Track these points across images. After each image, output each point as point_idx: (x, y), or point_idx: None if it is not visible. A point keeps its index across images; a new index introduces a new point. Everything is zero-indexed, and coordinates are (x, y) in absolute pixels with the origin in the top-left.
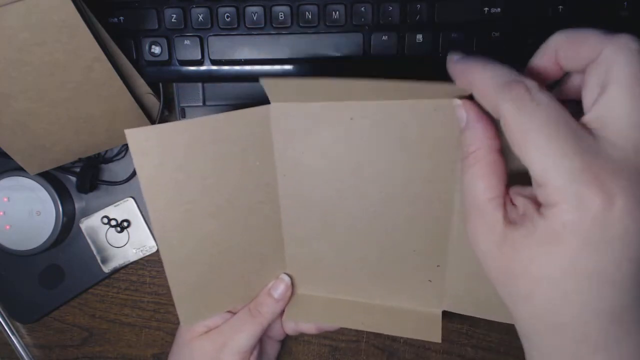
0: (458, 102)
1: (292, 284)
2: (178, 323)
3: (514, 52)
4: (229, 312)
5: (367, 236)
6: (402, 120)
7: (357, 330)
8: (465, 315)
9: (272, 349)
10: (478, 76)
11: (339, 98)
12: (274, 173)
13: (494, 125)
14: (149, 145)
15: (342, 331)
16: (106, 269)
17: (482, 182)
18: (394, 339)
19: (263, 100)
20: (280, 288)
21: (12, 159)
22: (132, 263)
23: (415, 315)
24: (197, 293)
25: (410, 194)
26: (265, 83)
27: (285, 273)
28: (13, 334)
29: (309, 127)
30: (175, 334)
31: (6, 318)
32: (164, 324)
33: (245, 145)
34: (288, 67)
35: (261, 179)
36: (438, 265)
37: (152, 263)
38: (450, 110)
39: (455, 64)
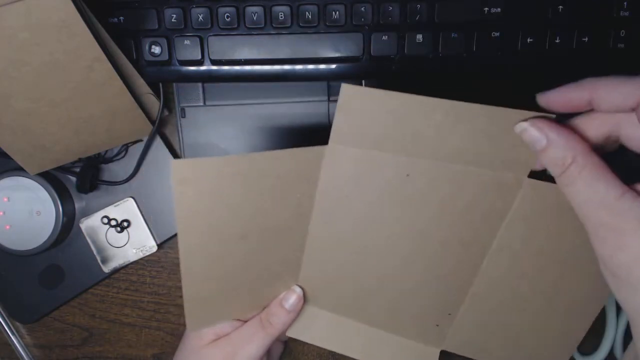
0: (524, 125)
1: (304, 296)
2: (178, 323)
3: (514, 52)
4: (237, 320)
5: (388, 271)
6: (459, 186)
7: None
8: None
9: (276, 350)
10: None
11: (405, 147)
12: (311, 204)
13: (575, 131)
14: (191, 177)
15: None
16: (106, 269)
17: (601, 184)
18: None
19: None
20: (292, 299)
21: (12, 159)
22: (132, 263)
23: (413, 350)
24: (209, 303)
25: (443, 254)
26: (340, 104)
27: (297, 284)
28: (13, 334)
29: (361, 174)
30: (182, 339)
31: (6, 318)
32: (164, 324)
33: (291, 180)
34: (288, 67)
35: (298, 208)
36: (449, 314)
37: (152, 263)
38: (509, 185)
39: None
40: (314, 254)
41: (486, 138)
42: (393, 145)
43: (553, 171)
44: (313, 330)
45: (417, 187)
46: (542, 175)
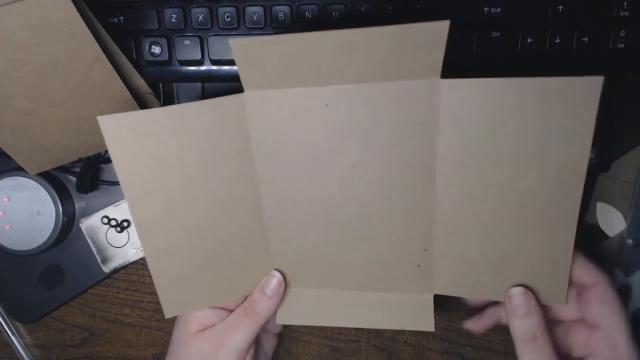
0: (516, 290)
1: (285, 280)
2: None
3: (514, 52)
4: (223, 309)
5: (351, 224)
6: (378, 104)
7: (357, 330)
8: (466, 316)
9: (268, 343)
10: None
11: (315, 78)
12: (252, 165)
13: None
14: (122, 133)
15: (342, 331)
16: (106, 269)
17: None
18: (394, 339)
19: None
20: (272, 284)
21: (12, 159)
22: (132, 263)
23: (407, 305)
24: (181, 284)
25: (390, 178)
26: (238, 58)
27: (275, 269)
28: (13, 334)
29: (285, 116)
30: (174, 332)
31: (6, 318)
32: (164, 324)
33: (222, 135)
34: None
35: (240, 170)
36: (425, 250)
37: None
38: (427, 90)
39: None
40: (275, 222)
41: (386, 54)
42: (303, 79)
43: (517, 334)
44: (301, 312)
45: (339, 115)
46: None
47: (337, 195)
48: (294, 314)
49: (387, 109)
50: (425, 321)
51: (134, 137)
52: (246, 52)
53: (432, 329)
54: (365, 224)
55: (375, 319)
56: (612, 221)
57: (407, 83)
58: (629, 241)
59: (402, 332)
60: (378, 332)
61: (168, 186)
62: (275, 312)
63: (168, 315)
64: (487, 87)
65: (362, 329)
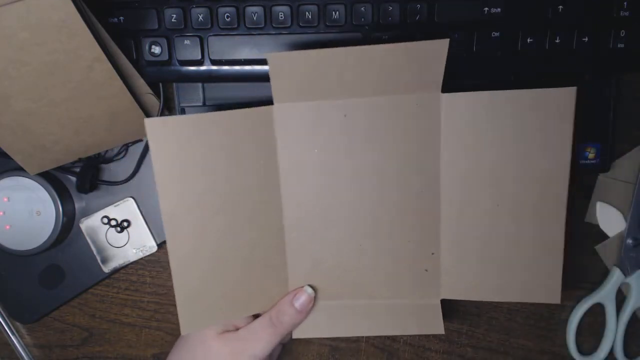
0: None
1: (315, 297)
2: (178, 323)
3: (514, 52)
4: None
5: (364, 229)
6: (391, 115)
7: None
8: (465, 316)
9: (276, 351)
10: None
11: (337, 91)
12: (276, 174)
13: None
14: (166, 135)
15: None
16: (106, 269)
17: None
18: (393, 339)
19: (263, 99)
20: (302, 299)
21: (12, 159)
22: (132, 263)
23: (416, 310)
24: (199, 298)
25: (402, 184)
26: (273, 71)
27: (309, 285)
28: (13, 334)
29: (309, 126)
30: (185, 336)
31: (6, 318)
32: (164, 324)
33: (251, 143)
34: None
35: (265, 178)
36: (433, 253)
37: (152, 263)
38: (431, 103)
39: None
40: (293, 232)
41: (396, 70)
42: (326, 92)
43: None
44: (316, 325)
45: (357, 124)
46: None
47: (354, 204)
48: (310, 328)
49: (399, 119)
50: (435, 325)
51: (176, 140)
52: (280, 66)
53: (442, 332)
54: (377, 228)
55: (387, 326)
56: (612, 221)
57: (415, 96)
58: (629, 241)
59: None
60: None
61: (198, 189)
62: (299, 325)
63: (185, 331)
64: (482, 100)
65: None
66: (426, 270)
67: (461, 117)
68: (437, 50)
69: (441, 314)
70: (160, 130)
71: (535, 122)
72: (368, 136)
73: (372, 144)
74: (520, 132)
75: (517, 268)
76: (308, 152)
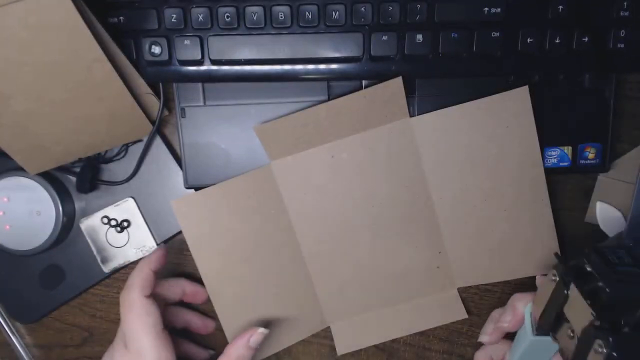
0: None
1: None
2: None
3: (514, 52)
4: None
5: (376, 248)
6: (371, 146)
7: None
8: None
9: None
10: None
11: (320, 139)
12: (287, 217)
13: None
14: (192, 211)
15: None
16: (106, 269)
17: None
18: (393, 339)
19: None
20: (259, 340)
21: (12, 159)
22: (132, 263)
23: (437, 303)
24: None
25: (397, 201)
26: (261, 139)
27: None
28: (13, 334)
29: (304, 173)
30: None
31: (6, 318)
32: None
33: (261, 199)
34: (288, 67)
35: (279, 224)
36: (440, 252)
37: None
38: (403, 128)
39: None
40: (314, 261)
41: (364, 111)
42: (311, 141)
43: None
44: (356, 337)
45: (343, 161)
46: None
47: (359, 225)
48: (352, 341)
49: (379, 148)
50: (457, 312)
51: (200, 214)
52: (266, 134)
53: (466, 316)
54: (387, 244)
55: (416, 323)
56: (612, 221)
57: (387, 127)
58: (629, 241)
59: None
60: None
61: (224, 246)
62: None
63: None
64: (446, 116)
65: None
66: (438, 267)
67: (433, 133)
68: (394, 89)
69: (460, 301)
70: (185, 208)
71: (500, 122)
72: (356, 168)
73: (362, 175)
74: (489, 134)
75: (517, 248)
76: (308, 194)
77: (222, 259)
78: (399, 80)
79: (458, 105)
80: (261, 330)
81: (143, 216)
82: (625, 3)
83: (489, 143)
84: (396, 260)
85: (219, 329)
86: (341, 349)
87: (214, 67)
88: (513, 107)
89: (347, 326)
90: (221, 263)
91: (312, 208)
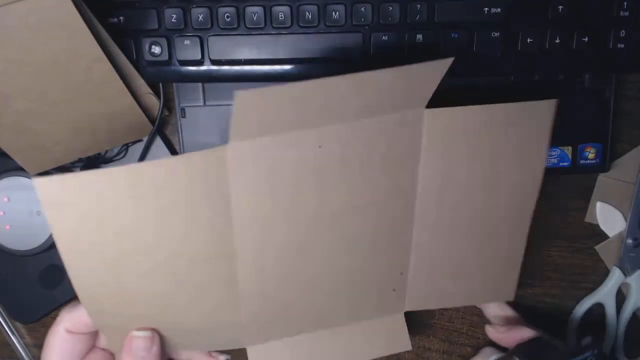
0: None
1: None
2: None
3: (514, 52)
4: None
5: (332, 263)
6: (370, 139)
7: None
8: (466, 316)
9: None
10: None
11: (310, 119)
12: (228, 218)
13: None
14: (65, 197)
15: None
16: None
17: None
18: None
19: None
20: (142, 345)
21: (12, 159)
22: None
23: (380, 326)
24: None
25: (378, 211)
26: (238, 110)
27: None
28: (13, 334)
29: (272, 163)
30: None
31: (6, 318)
32: None
33: (194, 194)
34: (288, 67)
35: (212, 232)
36: (401, 273)
37: None
38: (413, 120)
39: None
40: (249, 283)
41: (387, 92)
42: (298, 122)
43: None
44: None
45: (333, 154)
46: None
47: (322, 236)
48: None
49: (379, 142)
50: (401, 343)
51: (79, 202)
52: (248, 103)
53: (410, 348)
54: (348, 259)
55: (355, 349)
56: (612, 221)
57: (398, 115)
58: (629, 241)
59: None
60: None
61: (117, 254)
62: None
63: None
64: (462, 115)
65: None
66: (394, 290)
67: (442, 133)
68: (438, 69)
69: (406, 329)
70: (56, 192)
71: (512, 137)
72: (345, 166)
73: (349, 174)
74: (497, 147)
75: (480, 274)
76: (268, 190)
77: (112, 269)
78: (448, 62)
79: (482, 105)
80: (136, 334)
81: None
82: (625, 3)
83: (494, 157)
84: (353, 278)
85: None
86: None
87: (214, 67)
88: (532, 121)
89: (268, 351)
90: (109, 275)
91: (266, 209)
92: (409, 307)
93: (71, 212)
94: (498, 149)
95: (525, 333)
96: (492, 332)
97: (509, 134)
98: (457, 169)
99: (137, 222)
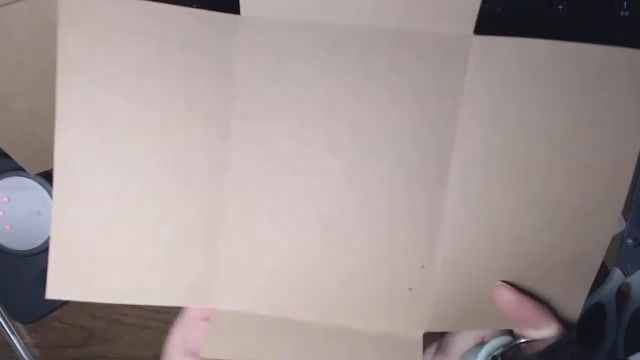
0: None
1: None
2: None
3: None
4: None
5: (334, 219)
6: (397, 56)
7: None
8: None
9: None
10: None
11: (327, 9)
12: (226, 111)
13: None
14: (81, 17)
15: None
16: None
17: None
18: None
19: None
20: None
21: (12, 159)
22: None
23: (387, 344)
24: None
25: (395, 151)
26: None
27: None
28: (13, 334)
29: (281, 51)
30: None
31: (6, 318)
32: (164, 324)
33: (199, 61)
34: None
35: (208, 116)
36: (423, 266)
37: None
38: (454, 45)
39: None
40: (237, 204)
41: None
42: (312, 7)
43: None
44: (239, 348)
45: (347, 59)
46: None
47: (325, 169)
48: (226, 347)
49: (410, 64)
50: None
51: (93, 26)
52: None
53: None
54: (352, 228)
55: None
56: None
57: (436, 36)
58: (629, 241)
59: None
60: None
61: (113, 117)
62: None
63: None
64: (529, 49)
65: None
66: (410, 290)
67: (496, 71)
68: None
69: (422, 353)
70: (77, 8)
71: (603, 92)
72: (359, 78)
73: (363, 89)
74: (578, 103)
75: (536, 283)
76: (273, 88)
77: (99, 136)
78: None
79: (554, 41)
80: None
81: None
82: (625, 3)
83: (572, 117)
84: (356, 258)
85: None
86: (208, 350)
87: None
88: (632, 73)
89: (235, 319)
90: (95, 142)
91: (268, 112)
92: (430, 327)
93: (79, 36)
94: (579, 106)
95: (544, 316)
96: (507, 293)
97: (598, 87)
98: (515, 126)
99: (135, 74)
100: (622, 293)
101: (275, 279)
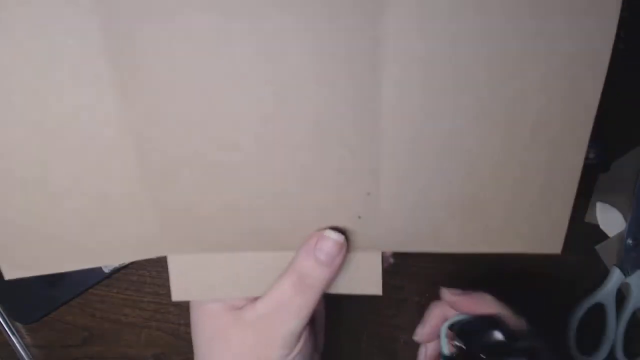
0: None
1: (346, 241)
2: (178, 323)
3: None
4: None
5: (266, 143)
6: None
7: (357, 330)
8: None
9: (319, 311)
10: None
11: None
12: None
13: None
14: None
15: (342, 330)
16: (106, 269)
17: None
18: (393, 339)
19: None
20: (326, 247)
21: None
22: (132, 263)
23: (348, 266)
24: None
25: (322, 69)
26: None
27: (330, 228)
28: (13, 334)
29: None
30: (194, 315)
31: (6, 318)
32: (164, 324)
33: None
34: None
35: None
36: (368, 193)
37: (152, 263)
38: None
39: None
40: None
41: None
42: None
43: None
44: (200, 282)
45: None
46: None
47: (251, 85)
48: (193, 287)
49: None
50: (374, 283)
51: None
52: None
53: (380, 293)
54: (289, 149)
55: None
56: (612, 221)
57: None
58: (629, 241)
59: (402, 332)
60: (378, 333)
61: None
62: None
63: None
64: None
65: (363, 329)
66: (359, 218)
67: None
68: None
69: (381, 271)
70: None
71: None
72: None
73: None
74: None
75: (500, 210)
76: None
77: None
78: None
79: None
80: (327, 232)
81: None
82: (625, 3)
83: (530, 19)
84: (298, 187)
85: None
86: (179, 293)
87: None
88: None
89: (195, 262)
90: None
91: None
92: (384, 246)
93: None
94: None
95: (487, 302)
96: (446, 294)
97: None
98: (458, 20)
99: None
100: (622, 293)
101: (221, 219)
